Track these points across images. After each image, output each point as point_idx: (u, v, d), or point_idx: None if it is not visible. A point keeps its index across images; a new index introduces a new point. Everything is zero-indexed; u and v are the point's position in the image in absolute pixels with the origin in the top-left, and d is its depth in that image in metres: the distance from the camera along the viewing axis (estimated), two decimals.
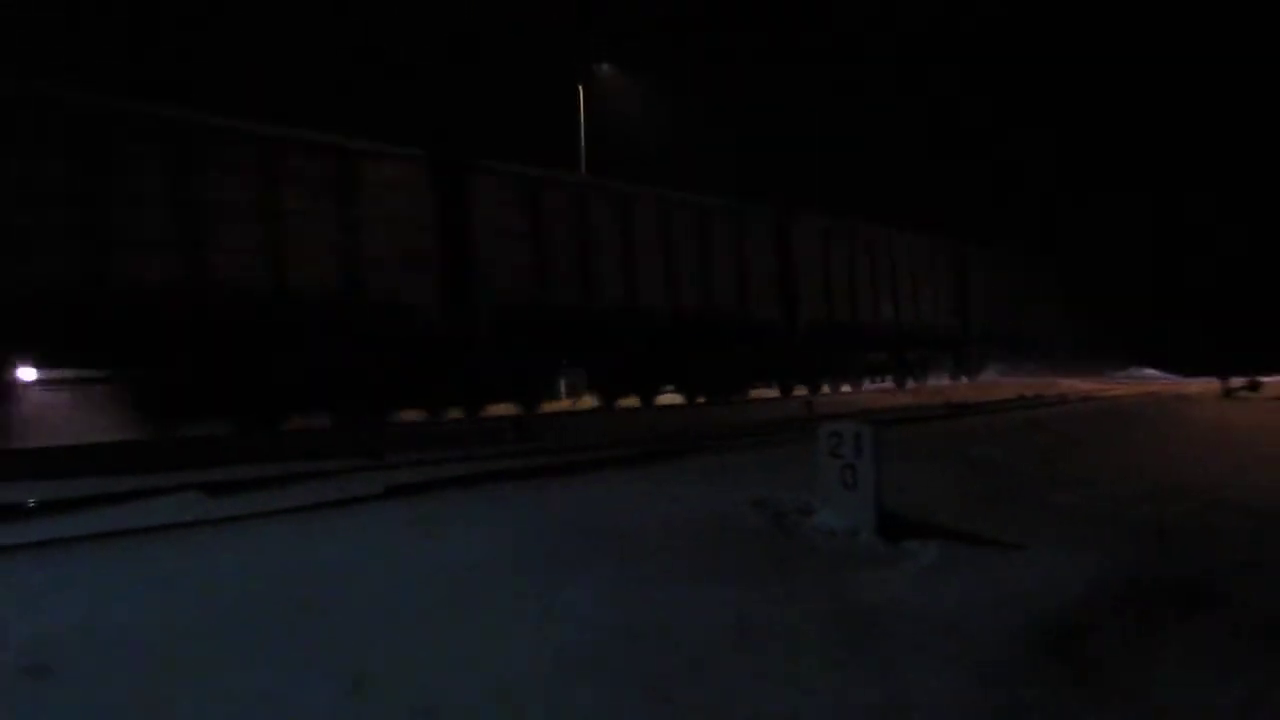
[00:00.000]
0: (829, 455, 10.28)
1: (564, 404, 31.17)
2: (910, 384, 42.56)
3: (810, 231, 36.27)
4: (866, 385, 40.44)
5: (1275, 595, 9.39)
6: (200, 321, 26.32)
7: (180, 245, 25.75)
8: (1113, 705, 7.06)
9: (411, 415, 29.90)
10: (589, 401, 31.57)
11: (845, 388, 39.15)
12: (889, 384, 41.52)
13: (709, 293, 32.77)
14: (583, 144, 42.15)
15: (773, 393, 36.03)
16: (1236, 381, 34.17)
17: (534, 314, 30.40)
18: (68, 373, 25.27)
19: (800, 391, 36.85)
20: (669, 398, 32.73)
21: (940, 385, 45.21)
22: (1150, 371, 53.63)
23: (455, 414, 30.33)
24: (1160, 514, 12.25)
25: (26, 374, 22.65)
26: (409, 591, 8.16)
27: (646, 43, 57.42)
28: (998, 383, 45.52)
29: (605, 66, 44.36)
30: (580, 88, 42.65)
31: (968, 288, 46.77)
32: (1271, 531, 11.78)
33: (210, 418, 26.76)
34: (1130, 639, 8.02)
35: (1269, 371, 38.21)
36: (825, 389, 37.83)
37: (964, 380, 45.88)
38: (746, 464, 14.54)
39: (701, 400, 33.18)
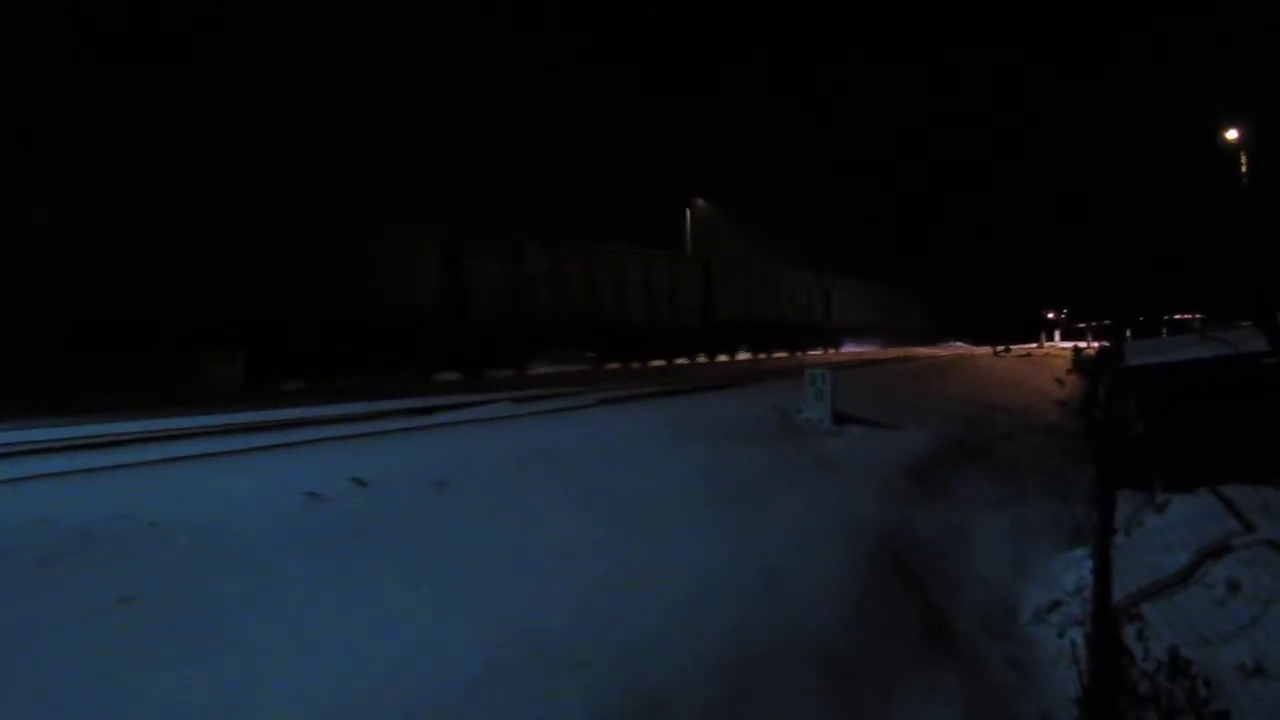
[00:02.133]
0: (809, 384, 10.73)
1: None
2: (799, 354, 41.32)
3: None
4: (776, 353, 39.20)
5: (1016, 450, 9.98)
6: (626, 330, 29.86)
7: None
8: (940, 496, 7.72)
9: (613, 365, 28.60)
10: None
11: (759, 354, 37.61)
12: (783, 352, 40.24)
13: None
14: (688, 241, 41.72)
15: (704, 358, 34.98)
16: (999, 347, 34.18)
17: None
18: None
19: (722, 357, 35.49)
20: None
21: (857, 350, 44.37)
22: (958, 343, 52.57)
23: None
24: (965, 411, 12.55)
25: None
26: (607, 448, 8.55)
27: (722, 182, 55.19)
28: (885, 350, 44.68)
29: (700, 201, 43.84)
30: (687, 210, 42.23)
31: (831, 300, 45.72)
32: (1016, 419, 12.12)
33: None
34: (950, 470, 8.81)
35: (1015, 343, 38.14)
36: (741, 355, 36.21)
37: (831, 351, 44.75)
38: (766, 389, 14.81)
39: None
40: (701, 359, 34.33)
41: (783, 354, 39.31)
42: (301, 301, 18.51)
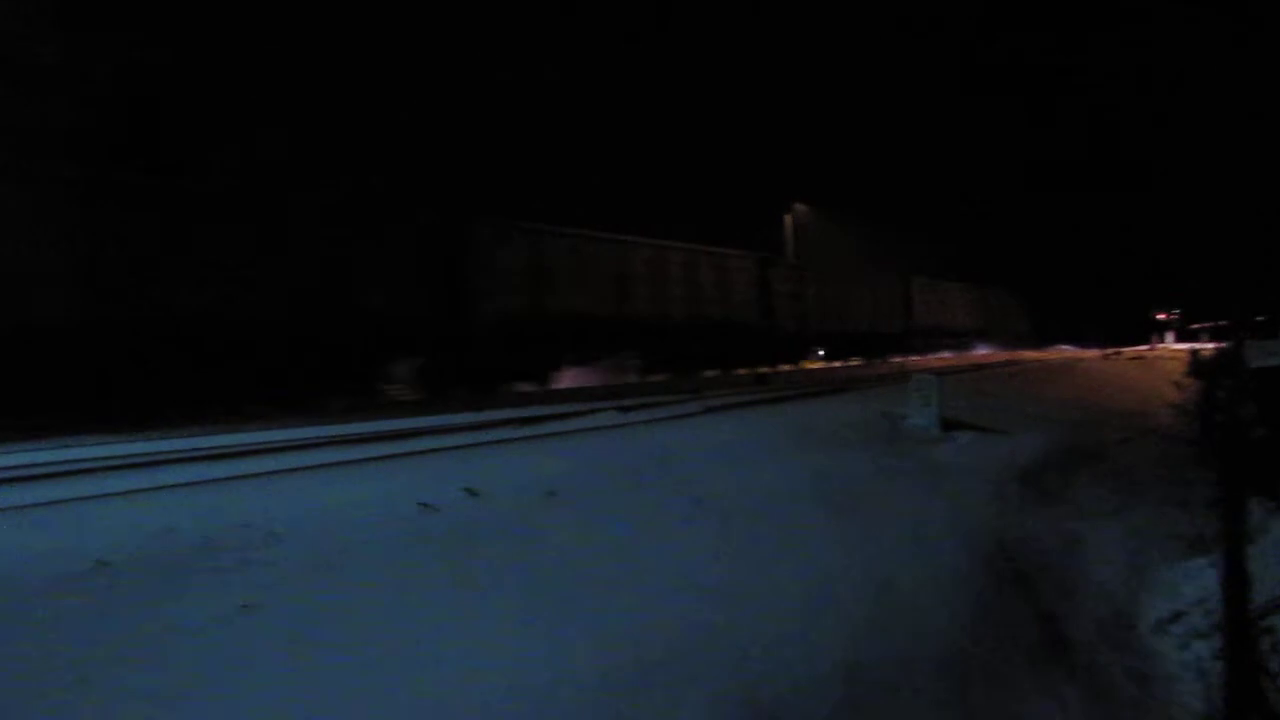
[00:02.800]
0: (915, 390, 10.55)
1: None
2: (947, 354, 42.03)
3: (918, 285, 38.11)
4: (932, 355, 40.15)
5: (1131, 455, 9.58)
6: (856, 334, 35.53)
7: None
8: (1054, 503, 7.49)
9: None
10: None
11: (925, 355, 38.92)
12: (944, 353, 41.16)
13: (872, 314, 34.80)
14: (790, 246, 41.23)
15: (897, 357, 36.52)
16: (1109, 350, 33.34)
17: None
18: None
19: (898, 358, 37.11)
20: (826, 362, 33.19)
21: (968, 353, 44.01)
22: (1066, 346, 51.12)
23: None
24: (1076, 415, 12.18)
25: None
26: (713, 454, 8.52)
27: (824, 187, 53.89)
28: (995, 353, 44.02)
29: (798, 205, 43.29)
30: (786, 217, 41.81)
31: (975, 307, 47.02)
32: (1131, 423, 11.68)
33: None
34: (1062, 475, 8.51)
35: (1125, 345, 37.27)
36: (913, 357, 37.74)
37: (969, 351, 45.12)
38: (876, 394, 14.54)
39: (857, 361, 34.40)
40: (896, 358, 37.32)
41: (948, 354, 42.38)
42: (670, 315, 25.73)
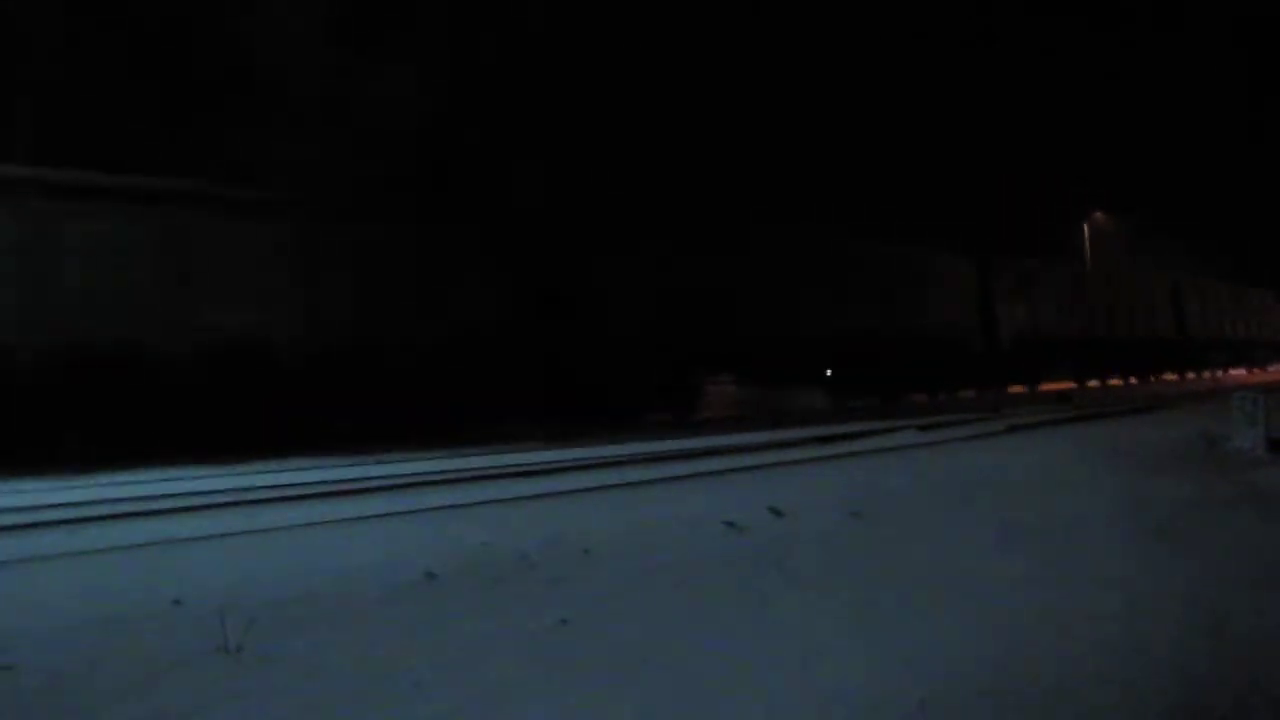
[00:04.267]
0: (1239, 409, 9.73)
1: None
2: (1241, 370, 39.33)
3: (1198, 290, 35.63)
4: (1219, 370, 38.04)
5: None
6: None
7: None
8: None
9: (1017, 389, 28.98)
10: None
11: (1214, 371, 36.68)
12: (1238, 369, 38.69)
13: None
14: (1087, 253, 39.16)
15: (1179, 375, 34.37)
16: None
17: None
18: None
19: (1190, 374, 35.06)
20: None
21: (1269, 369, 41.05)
22: None
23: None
24: None
25: None
26: (1018, 474, 8.19)
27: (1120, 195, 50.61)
28: None
29: (1098, 214, 40.95)
30: (1085, 226, 39.72)
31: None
32: None
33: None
34: None
35: None
36: (1205, 374, 35.68)
37: (1269, 366, 42.00)
38: (1191, 414, 13.50)
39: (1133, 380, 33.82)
40: (1176, 375, 37.40)
41: (1242, 370, 41.27)
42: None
